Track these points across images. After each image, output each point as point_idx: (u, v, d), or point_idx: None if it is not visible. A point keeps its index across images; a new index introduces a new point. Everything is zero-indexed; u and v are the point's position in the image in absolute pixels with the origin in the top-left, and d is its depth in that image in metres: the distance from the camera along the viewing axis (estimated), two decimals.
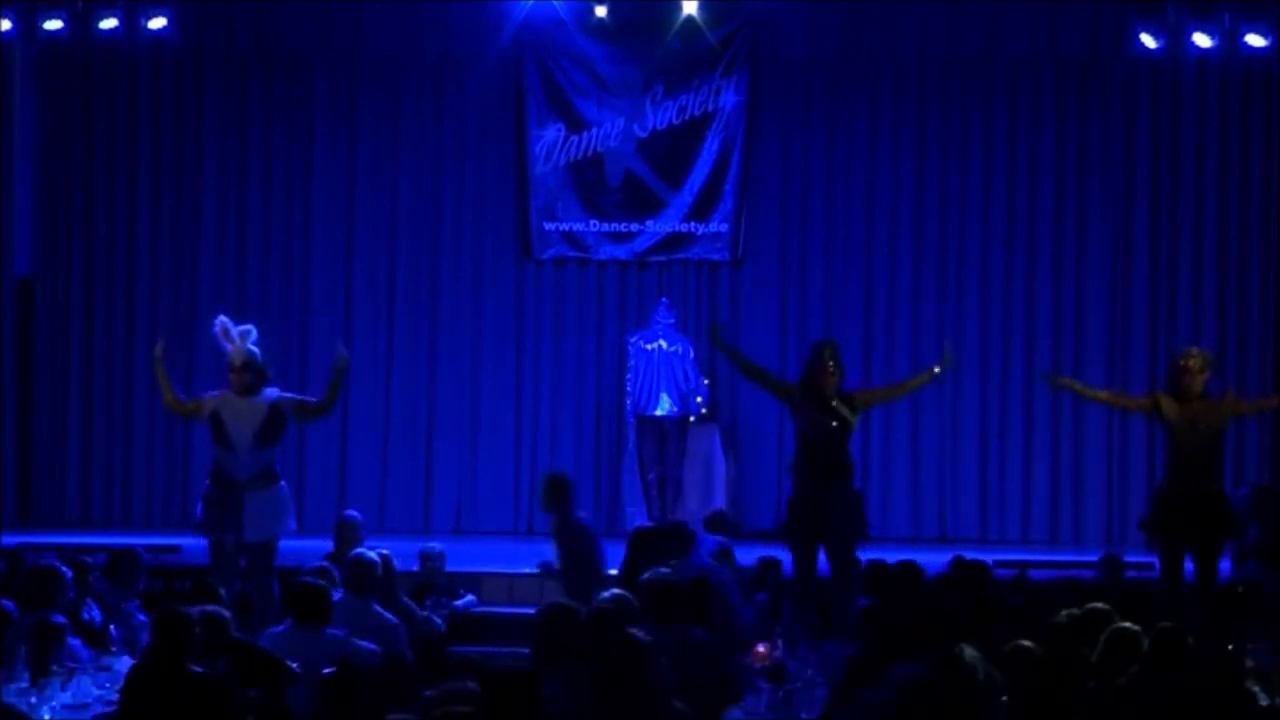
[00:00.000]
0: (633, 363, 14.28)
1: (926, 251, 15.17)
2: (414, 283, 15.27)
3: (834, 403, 10.71)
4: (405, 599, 10.00)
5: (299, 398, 10.81)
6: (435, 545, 11.47)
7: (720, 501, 14.42)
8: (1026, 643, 6.79)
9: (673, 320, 14.29)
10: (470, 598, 11.19)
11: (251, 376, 10.53)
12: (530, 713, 6.18)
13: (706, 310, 15.24)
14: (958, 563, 10.11)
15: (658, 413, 14.02)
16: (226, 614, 7.67)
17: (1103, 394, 11.69)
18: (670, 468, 14.00)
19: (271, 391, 10.61)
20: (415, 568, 11.12)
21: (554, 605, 7.47)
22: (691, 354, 14.24)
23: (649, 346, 14.12)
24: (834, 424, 10.69)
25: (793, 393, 10.89)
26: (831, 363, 10.74)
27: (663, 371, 14.01)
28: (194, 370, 14.86)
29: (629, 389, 14.27)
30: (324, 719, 6.63)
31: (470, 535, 14.88)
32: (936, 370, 11.17)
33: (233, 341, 10.60)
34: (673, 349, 14.11)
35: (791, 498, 10.86)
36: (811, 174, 15.28)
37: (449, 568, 11.73)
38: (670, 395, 14.01)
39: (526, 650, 7.50)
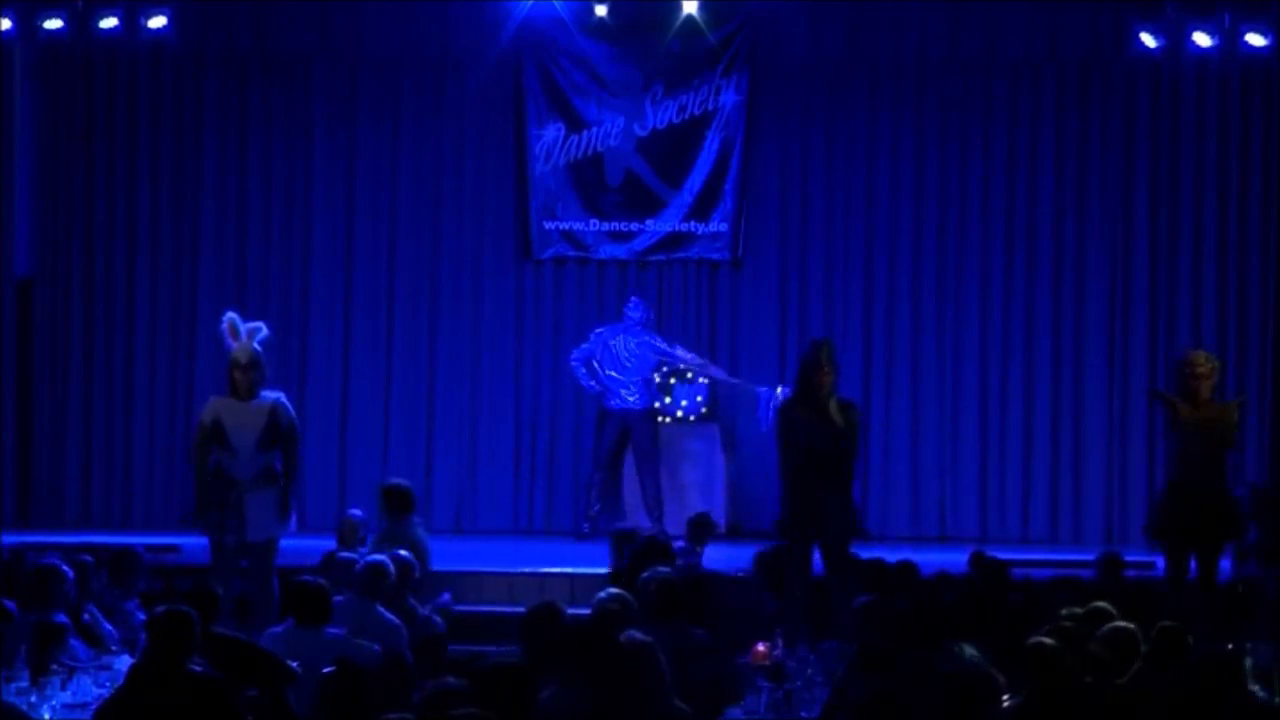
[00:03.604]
0: (588, 347, 14.14)
1: (926, 251, 15.18)
2: (414, 282, 15.26)
3: (830, 409, 10.73)
4: (410, 600, 10.00)
5: (292, 423, 10.60)
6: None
7: (720, 502, 14.41)
8: (1047, 640, 6.77)
9: (640, 318, 14.21)
10: (445, 595, 10.93)
11: (257, 375, 10.51)
12: (522, 707, 6.19)
13: (707, 310, 15.26)
14: (975, 558, 10.15)
15: (620, 405, 13.99)
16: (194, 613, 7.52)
17: (1171, 410, 11.30)
18: (644, 458, 13.95)
19: (271, 394, 10.58)
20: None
21: (540, 605, 7.48)
22: (663, 349, 14.18)
23: (611, 341, 14.08)
24: (830, 433, 10.72)
25: (789, 410, 10.90)
26: (827, 364, 10.77)
27: (626, 365, 13.99)
28: (195, 373, 14.88)
29: (586, 382, 14.13)
30: (324, 719, 6.64)
31: (470, 535, 14.89)
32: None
33: (239, 339, 10.57)
34: (637, 343, 14.04)
35: (783, 496, 10.89)
36: (811, 174, 15.28)
37: (450, 567, 11.77)
38: (634, 389, 13.97)
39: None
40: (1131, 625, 7.40)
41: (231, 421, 10.43)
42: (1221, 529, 10.78)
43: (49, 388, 15.14)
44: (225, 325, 10.66)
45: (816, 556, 10.73)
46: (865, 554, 10.49)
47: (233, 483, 10.38)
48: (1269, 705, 7.24)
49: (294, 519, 10.67)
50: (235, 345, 10.58)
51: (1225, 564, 11.66)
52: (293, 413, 10.65)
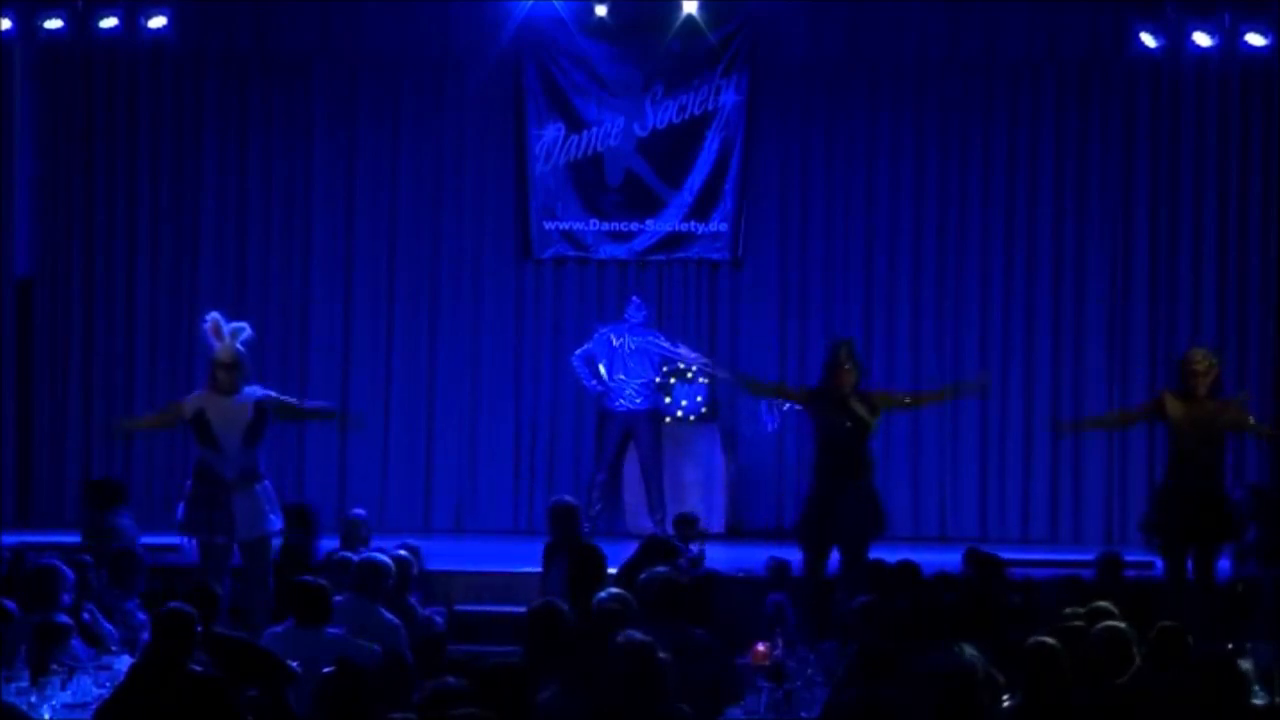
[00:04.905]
0: (590, 348, 14.16)
1: (926, 251, 15.18)
2: (414, 282, 15.27)
3: (850, 402, 10.76)
4: (411, 600, 10.00)
5: (281, 397, 10.76)
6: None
7: (720, 502, 14.42)
8: (1047, 640, 6.77)
9: (643, 318, 14.23)
10: (434, 609, 10.72)
11: (238, 375, 10.52)
12: (522, 707, 6.20)
13: (707, 310, 15.26)
14: (971, 555, 10.17)
15: (624, 407, 13.98)
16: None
17: (1110, 418, 11.68)
18: (649, 459, 13.96)
19: (253, 390, 10.60)
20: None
21: (540, 605, 7.48)
22: (667, 348, 14.19)
23: (616, 342, 14.09)
24: (849, 424, 10.75)
25: (808, 396, 10.98)
26: (848, 362, 10.81)
27: (631, 366, 14.00)
28: (195, 373, 14.86)
29: (589, 381, 14.14)
30: (324, 719, 6.63)
31: (470, 534, 14.89)
32: (960, 388, 11.24)
33: (222, 339, 10.58)
34: (640, 343, 14.06)
35: (807, 496, 10.91)
36: (811, 174, 15.28)
37: (450, 567, 11.76)
38: (637, 390, 13.99)
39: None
40: (1124, 625, 7.40)
41: (217, 418, 10.44)
42: (1217, 530, 10.78)
43: (49, 388, 15.14)
44: (209, 325, 10.66)
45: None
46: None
47: (220, 482, 10.37)
48: (1269, 706, 7.24)
49: (279, 517, 10.68)
50: (218, 345, 10.59)
51: (1225, 564, 11.67)
52: (272, 392, 10.69)
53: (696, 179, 15.06)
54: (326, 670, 6.80)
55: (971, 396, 11.50)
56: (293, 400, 11.00)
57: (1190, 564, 10.77)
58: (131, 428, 11.21)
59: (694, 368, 14.49)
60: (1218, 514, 10.74)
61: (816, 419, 10.90)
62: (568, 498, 11.05)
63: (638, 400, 14.00)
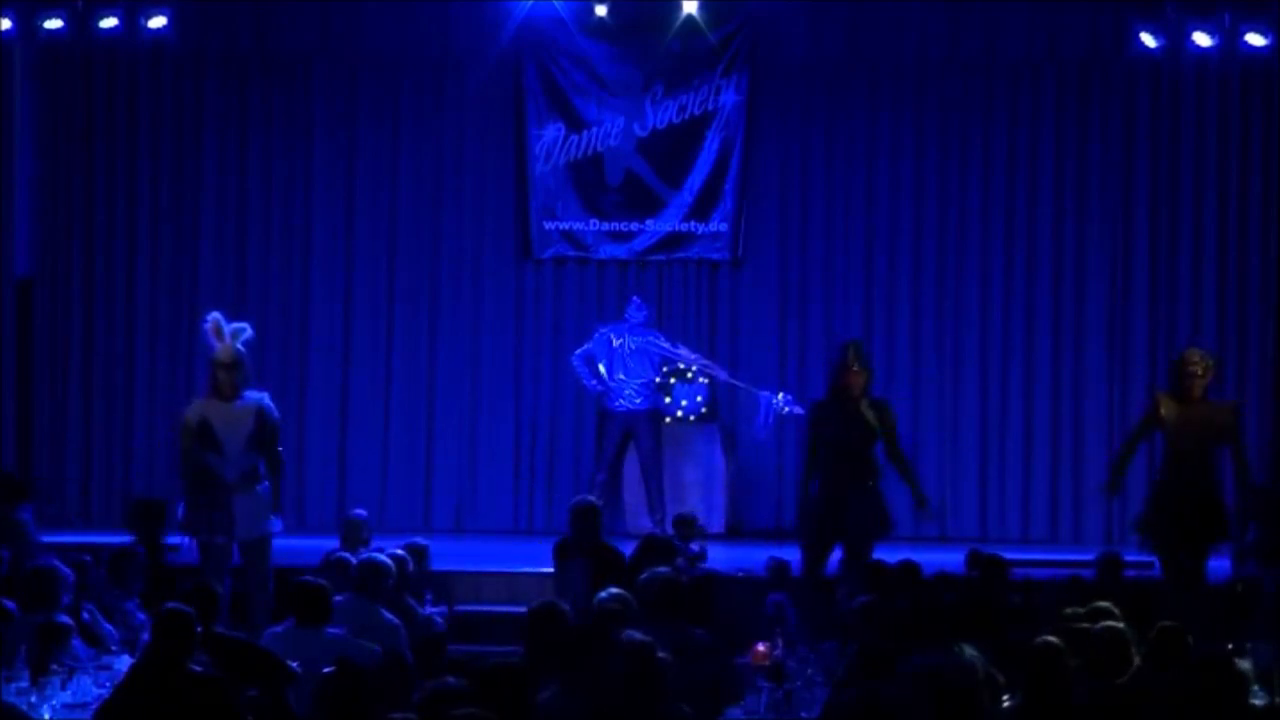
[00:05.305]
0: (590, 348, 14.13)
1: (926, 251, 15.19)
2: (414, 282, 15.27)
3: (861, 408, 10.74)
4: (409, 599, 10.00)
5: (276, 426, 10.60)
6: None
7: (720, 501, 14.42)
8: (1048, 639, 6.77)
9: (643, 318, 14.22)
10: (439, 609, 10.66)
11: (239, 376, 10.48)
12: (522, 707, 6.20)
13: (707, 310, 15.26)
14: (973, 556, 10.17)
15: (624, 407, 13.97)
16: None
17: (1124, 457, 11.50)
18: (648, 459, 13.94)
19: (256, 395, 10.56)
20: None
21: (540, 605, 7.48)
22: (667, 349, 14.18)
23: (616, 342, 14.08)
24: (857, 430, 10.73)
25: (820, 420, 10.92)
26: (856, 364, 10.79)
27: (629, 366, 13.99)
28: (195, 373, 14.87)
29: (589, 380, 14.11)
30: (324, 718, 6.63)
31: (470, 534, 14.89)
32: (923, 504, 11.21)
33: (222, 339, 10.56)
34: (640, 343, 14.05)
35: (813, 497, 10.89)
36: (811, 174, 15.29)
37: (450, 567, 11.75)
38: (637, 390, 13.98)
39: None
40: (1122, 625, 7.41)
41: (219, 423, 10.40)
42: (1207, 530, 10.77)
43: (49, 388, 15.14)
44: (209, 325, 10.64)
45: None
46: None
47: (220, 484, 10.35)
48: (1269, 706, 7.24)
49: (279, 518, 10.64)
50: (219, 345, 10.57)
51: (1225, 564, 11.67)
52: (278, 415, 10.64)
53: (696, 179, 15.07)
54: (326, 670, 6.80)
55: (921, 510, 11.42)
56: (280, 454, 10.78)
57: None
58: (195, 488, 10.59)
59: (694, 368, 14.49)
60: (1210, 514, 10.74)
61: (826, 427, 10.87)
62: (591, 498, 11.07)
63: (638, 400, 13.99)
